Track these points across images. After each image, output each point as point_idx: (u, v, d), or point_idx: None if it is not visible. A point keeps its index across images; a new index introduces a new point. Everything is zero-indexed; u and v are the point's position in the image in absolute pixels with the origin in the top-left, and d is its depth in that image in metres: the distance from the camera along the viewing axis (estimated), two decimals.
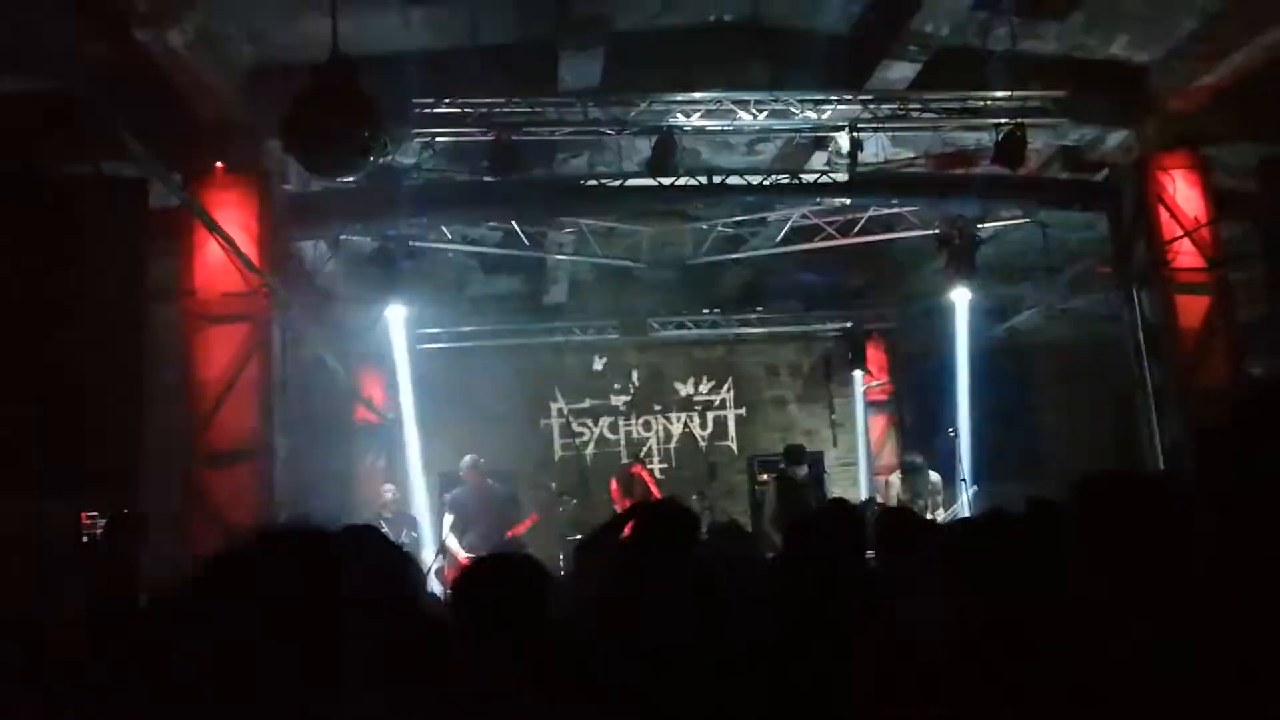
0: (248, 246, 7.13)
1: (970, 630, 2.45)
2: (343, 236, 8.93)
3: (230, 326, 7.16)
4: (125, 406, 5.92)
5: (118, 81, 6.21)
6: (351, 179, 7.07)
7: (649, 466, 11.39)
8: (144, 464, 5.83)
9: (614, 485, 10.12)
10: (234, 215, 7.16)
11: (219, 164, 7.13)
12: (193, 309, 7.14)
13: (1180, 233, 8.20)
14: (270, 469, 7.07)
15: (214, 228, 6.96)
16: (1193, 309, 8.20)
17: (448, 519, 8.69)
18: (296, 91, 5.35)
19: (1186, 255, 8.24)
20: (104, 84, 6.18)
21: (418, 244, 9.09)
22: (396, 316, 9.56)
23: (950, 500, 9.44)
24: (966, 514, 8.73)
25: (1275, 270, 8.88)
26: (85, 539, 5.30)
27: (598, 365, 12.90)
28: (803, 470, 9.23)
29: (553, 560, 8.90)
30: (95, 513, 5.25)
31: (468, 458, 9.01)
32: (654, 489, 10.05)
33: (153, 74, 6.22)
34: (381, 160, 6.67)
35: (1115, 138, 8.41)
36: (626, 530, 3.38)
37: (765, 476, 11.71)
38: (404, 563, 2.82)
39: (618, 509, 9.47)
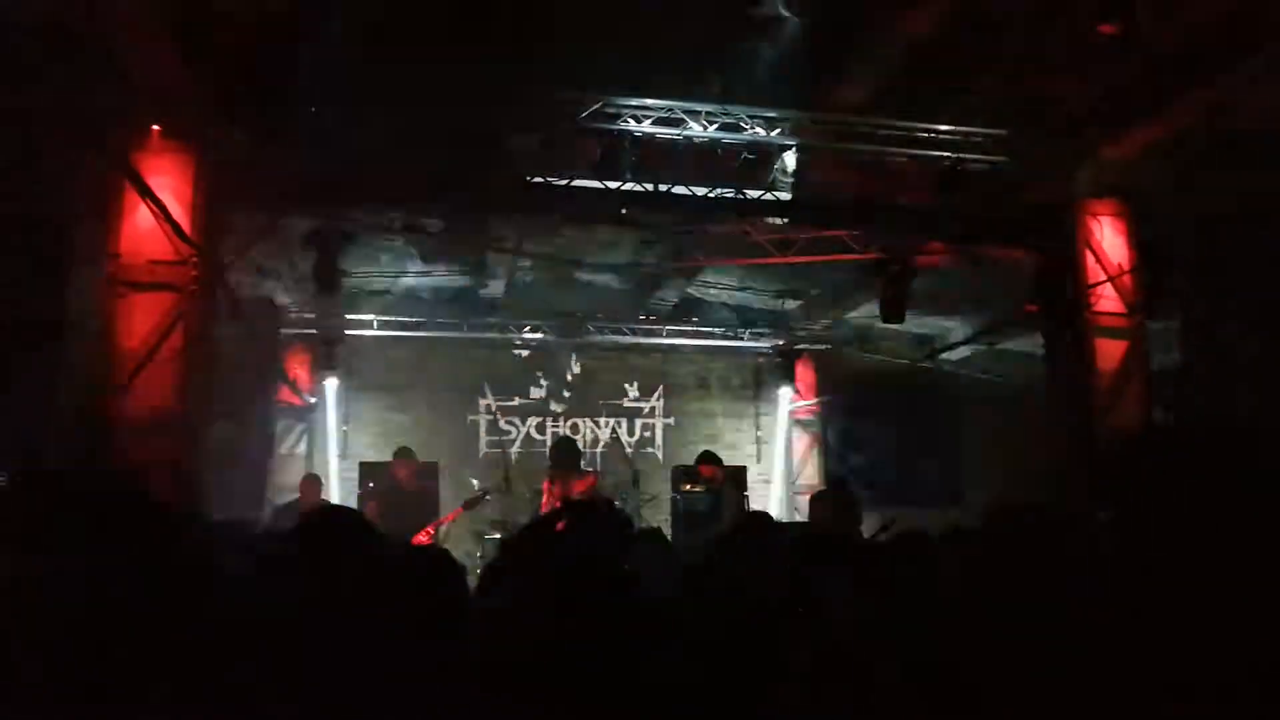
0: (180, 215, 6.95)
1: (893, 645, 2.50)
2: (280, 214, 8.76)
3: (155, 295, 6.95)
4: (41, 370, 5.76)
5: (49, 33, 6.02)
6: (293, 154, 6.99)
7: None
8: (56, 429, 5.66)
9: (546, 484, 9.98)
10: (168, 182, 6.96)
11: (155, 128, 6.94)
12: (117, 274, 6.93)
13: (1104, 278, 8.48)
14: (187, 443, 6.91)
15: (146, 192, 6.77)
16: (1110, 352, 8.47)
17: (370, 508, 8.58)
18: (243, 54, 5.25)
19: (1108, 300, 8.52)
20: (34, 35, 5.99)
21: (355, 227, 8.96)
22: (327, 299, 9.41)
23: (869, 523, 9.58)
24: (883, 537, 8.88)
25: (1190, 322, 9.23)
26: None
27: (522, 352, 12.83)
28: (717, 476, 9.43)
29: (469, 557, 8.83)
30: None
31: (400, 448, 8.91)
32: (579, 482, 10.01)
33: (90, 28, 6.04)
34: (326, 139, 6.61)
35: (1049, 180, 8.65)
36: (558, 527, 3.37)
37: (688, 486, 11.76)
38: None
39: (544, 500, 9.41)
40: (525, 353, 12.90)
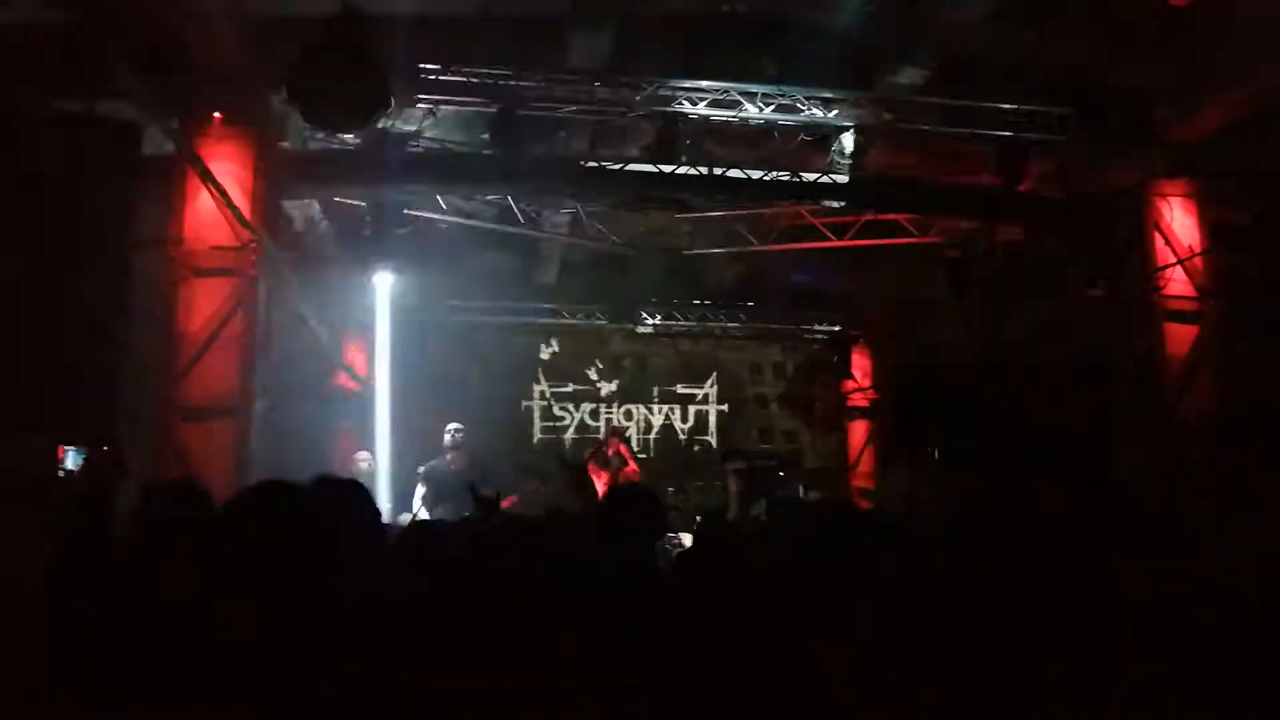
0: (240, 201, 7.03)
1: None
2: (337, 199, 8.84)
3: (216, 280, 7.05)
4: (105, 350, 5.86)
5: (117, 19, 6.10)
6: (350, 139, 7.02)
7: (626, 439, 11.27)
8: (120, 409, 5.76)
9: (590, 462, 10.04)
10: (228, 168, 7.06)
11: (217, 114, 7.02)
12: (179, 259, 7.04)
13: (1173, 260, 8.22)
14: (247, 426, 7.00)
15: (208, 178, 6.87)
16: (1180, 337, 8.23)
17: (420, 490, 8.61)
18: (304, 44, 5.27)
19: (1178, 283, 8.27)
20: (103, 21, 6.08)
21: (411, 212, 9.01)
22: (384, 284, 9.46)
23: None
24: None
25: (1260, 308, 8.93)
26: (61, 473, 5.21)
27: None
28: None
29: None
30: (71, 446, 5.15)
31: (452, 426, 8.91)
32: (631, 462, 10.00)
33: (156, 15, 6.12)
34: (383, 122, 6.63)
35: (1116, 160, 8.40)
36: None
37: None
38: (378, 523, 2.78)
39: (594, 483, 9.42)
40: (578, 339, 12.90)
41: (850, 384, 13.12)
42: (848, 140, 7.97)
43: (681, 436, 13.16)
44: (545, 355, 12.91)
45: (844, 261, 11.00)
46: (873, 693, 2.27)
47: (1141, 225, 8.34)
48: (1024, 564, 2.99)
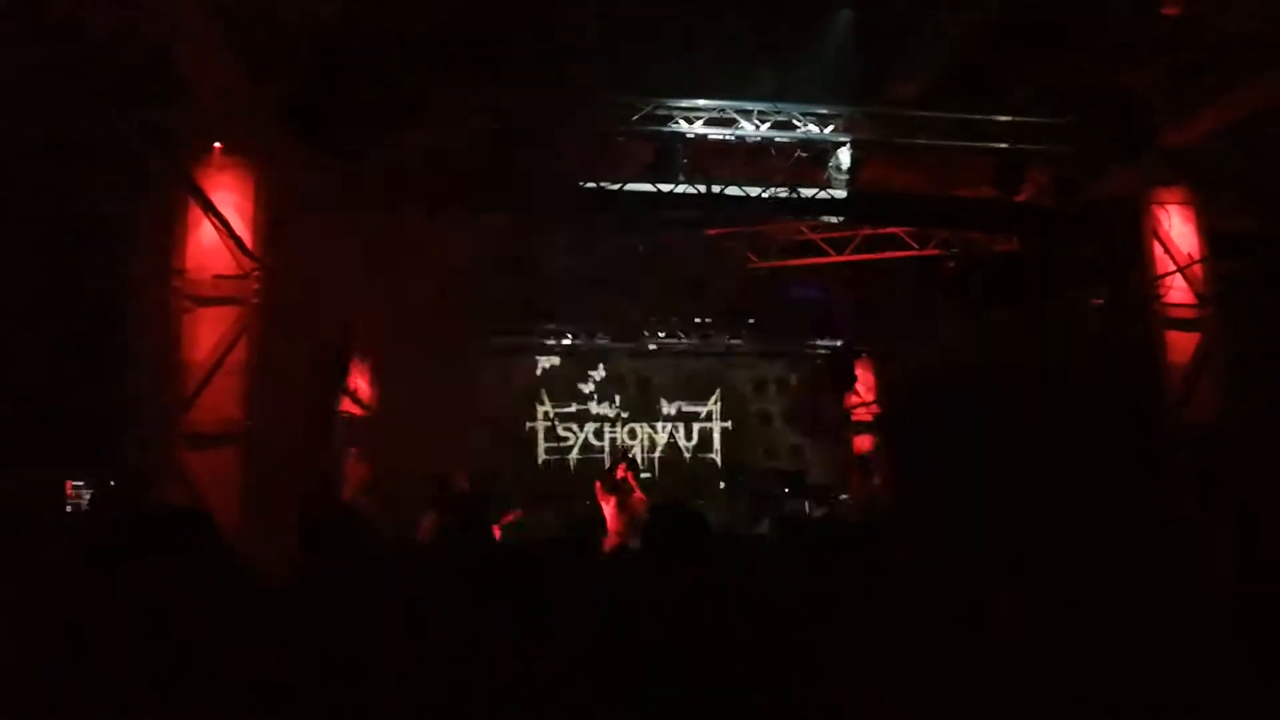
0: (242, 229, 7.08)
1: None
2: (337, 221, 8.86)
3: (220, 309, 7.08)
4: (110, 381, 5.88)
5: (118, 52, 6.15)
6: (350, 165, 7.06)
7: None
8: (126, 440, 5.78)
9: (598, 486, 10.09)
10: (230, 197, 7.10)
11: (218, 144, 7.07)
12: (183, 289, 7.07)
13: (1173, 267, 8.24)
14: (252, 453, 7.01)
15: (209, 208, 6.91)
16: (1181, 345, 8.22)
17: (428, 517, 8.62)
18: (303, 71, 5.32)
19: (1178, 290, 8.27)
20: (104, 54, 6.13)
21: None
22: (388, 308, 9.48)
23: None
24: None
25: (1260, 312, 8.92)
26: (69, 508, 5.22)
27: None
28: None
29: None
30: (80, 482, 5.18)
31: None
32: (638, 490, 10.00)
33: (156, 47, 6.17)
34: (383, 147, 6.67)
35: (1114, 168, 8.43)
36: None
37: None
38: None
39: (602, 508, 9.46)
40: (581, 359, 12.93)
41: (854, 398, 13.12)
42: (845, 155, 8.02)
43: (686, 454, 13.16)
44: (548, 376, 12.93)
45: (845, 276, 11.03)
46: (869, 705, 2.29)
47: (1140, 233, 8.35)
48: (1017, 567, 3.00)
